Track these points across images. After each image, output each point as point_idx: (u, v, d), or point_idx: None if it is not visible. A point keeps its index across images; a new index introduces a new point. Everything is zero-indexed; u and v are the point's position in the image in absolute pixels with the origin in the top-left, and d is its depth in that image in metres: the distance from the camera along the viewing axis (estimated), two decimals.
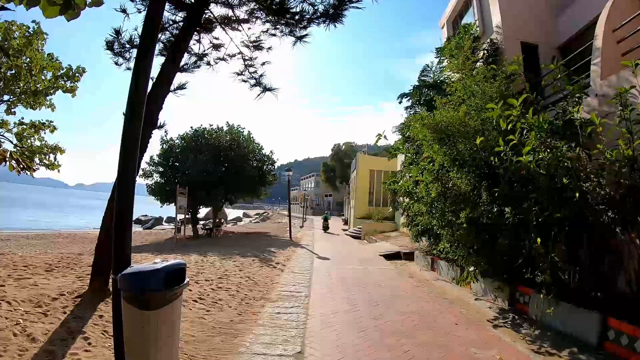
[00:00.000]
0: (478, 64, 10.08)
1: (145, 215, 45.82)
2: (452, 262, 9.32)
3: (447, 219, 7.23)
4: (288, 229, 20.87)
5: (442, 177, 7.30)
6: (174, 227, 26.02)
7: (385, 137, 8.16)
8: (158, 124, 5.98)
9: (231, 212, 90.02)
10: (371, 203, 29.83)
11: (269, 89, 8.42)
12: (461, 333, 5.26)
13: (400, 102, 13.68)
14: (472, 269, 7.06)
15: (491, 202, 6.43)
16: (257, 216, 66.75)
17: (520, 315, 6.22)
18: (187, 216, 21.18)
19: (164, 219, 48.09)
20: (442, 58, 12.58)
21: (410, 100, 13.15)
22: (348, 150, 68.16)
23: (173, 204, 22.65)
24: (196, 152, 21.66)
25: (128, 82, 3.30)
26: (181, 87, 7.26)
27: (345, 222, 36.93)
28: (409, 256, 13.13)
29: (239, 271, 8.94)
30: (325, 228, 27.33)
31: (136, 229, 36.39)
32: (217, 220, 27.95)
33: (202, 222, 32.96)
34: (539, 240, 5.24)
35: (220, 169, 22.09)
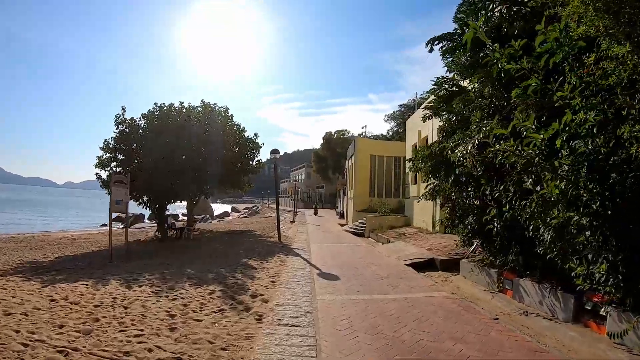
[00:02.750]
0: None
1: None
2: (553, 286, 5.42)
3: None
4: (277, 227, 16.63)
5: None
6: (156, 225, 21.75)
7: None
8: None
9: (219, 207, 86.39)
10: (372, 193, 25.86)
11: None
12: None
13: (430, 50, 9.51)
14: None
15: None
16: (247, 210, 62.75)
17: None
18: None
19: (147, 216, 43.36)
20: None
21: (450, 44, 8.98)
22: (340, 138, 64.02)
23: (135, 199, 18.48)
24: (159, 133, 17.38)
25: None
26: None
27: (341, 216, 32.98)
28: (448, 265, 9.17)
29: (170, 332, 4.46)
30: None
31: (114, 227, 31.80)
32: (191, 217, 23.81)
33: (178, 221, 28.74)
34: None
35: (191, 154, 17.86)
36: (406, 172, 19.55)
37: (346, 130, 65.15)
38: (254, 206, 70.17)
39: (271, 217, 36.58)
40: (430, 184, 8.72)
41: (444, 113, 8.41)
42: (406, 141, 21.71)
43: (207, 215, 49.86)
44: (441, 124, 9.19)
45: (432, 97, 9.33)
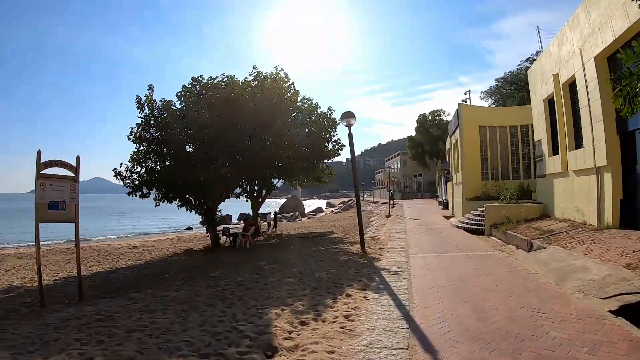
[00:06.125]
0: None
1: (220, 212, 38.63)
2: None
3: None
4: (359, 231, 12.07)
5: None
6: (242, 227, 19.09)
7: None
8: None
9: (314, 203, 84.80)
10: (485, 176, 19.93)
11: None
12: None
13: None
14: None
15: None
16: (342, 205, 58.83)
17: None
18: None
19: (237, 216, 42.42)
20: None
21: None
22: (436, 120, 56.92)
23: (179, 203, 15.75)
24: (198, 112, 14.41)
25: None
26: None
27: (445, 206, 27.44)
28: None
29: None
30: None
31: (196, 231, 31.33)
32: (256, 218, 20.80)
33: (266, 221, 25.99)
34: None
35: (243, 136, 14.56)
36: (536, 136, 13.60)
37: (441, 110, 57.67)
38: (349, 200, 66.55)
39: (365, 210, 32.71)
40: None
41: None
42: (532, 100, 15.58)
43: (297, 213, 47.92)
44: None
45: None
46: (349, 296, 5.87)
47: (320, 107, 18.26)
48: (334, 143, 18.53)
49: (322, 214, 50.86)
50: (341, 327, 4.49)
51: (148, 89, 15.01)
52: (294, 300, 5.81)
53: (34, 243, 7.14)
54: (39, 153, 7.03)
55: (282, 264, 9.44)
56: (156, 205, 15.54)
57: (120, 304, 6.48)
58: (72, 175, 7.70)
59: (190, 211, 16.15)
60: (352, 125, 10.66)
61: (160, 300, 6.43)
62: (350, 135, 10.81)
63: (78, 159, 7.87)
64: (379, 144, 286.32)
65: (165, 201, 15.36)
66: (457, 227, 15.72)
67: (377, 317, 4.76)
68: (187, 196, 15.46)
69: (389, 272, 7.55)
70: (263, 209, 26.28)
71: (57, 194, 7.35)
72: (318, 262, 9.31)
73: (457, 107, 21.10)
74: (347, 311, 5.10)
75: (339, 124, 17.73)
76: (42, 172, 7.10)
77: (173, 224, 39.91)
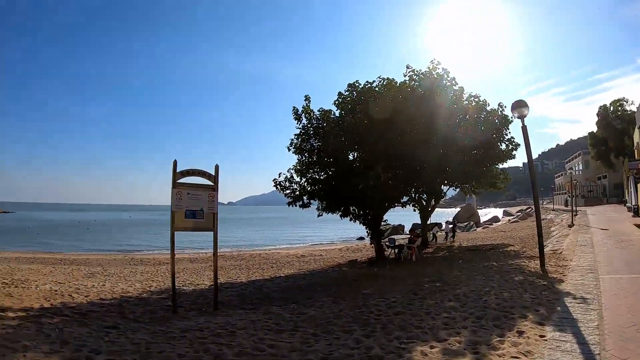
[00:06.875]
0: None
1: (388, 224, 36.74)
2: None
3: None
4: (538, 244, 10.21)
5: None
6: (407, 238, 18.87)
7: None
8: None
9: (489, 212, 79.18)
10: None
11: None
12: None
13: None
14: None
15: None
16: (519, 213, 54.05)
17: None
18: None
19: (409, 227, 40.12)
20: None
21: None
22: (619, 111, 46.64)
23: (340, 213, 15.91)
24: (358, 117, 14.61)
25: None
26: None
27: (636, 213, 23.44)
28: None
29: None
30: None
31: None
32: (425, 228, 19.97)
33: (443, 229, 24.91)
34: None
35: (404, 141, 14.03)
36: None
37: (623, 99, 46.96)
38: (527, 208, 60.50)
39: (544, 219, 28.95)
40: None
41: None
42: None
43: (472, 223, 45.29)
44: None
45: None
46: (520, 333, 4.73)
47: (489, 105, 16.76)
48: (507, 142, 16.76)
49: (498, 223, 47.69)
50: None
51: (305, 100, 15.43)
52: (450, 333, 4.90)
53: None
54: (175, 162, 7.26)
55: (445, 283, 8.62)
56: (319, 216, 16.07)
57: (253, 318, 6.40)
58: (211, 184, 7.73)
59: (354, 221, 16.19)
60: (525, 116, 9.23)
61: (296, 319, 6.23)
62: (524, 129, 9.38)
63: (217, 168, 7.83)
64: (557, 144, 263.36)
65: (329, 211, 15.72)
66: None
67: None
68: (349, 206, 15.52)
69: (574, 298, 6.17)
70: (433, 219, 25.51)
71: (195, 203, 7.40)
72: (487, 282, 8.20)
73: None
74: (515, 358, 4.05)
75: (511, 121, 16.04)
76: (178, 180, 7.29)
77: (346, 234, 41.35)
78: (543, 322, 5.10)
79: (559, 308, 5.71)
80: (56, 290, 9.28)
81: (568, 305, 5.83)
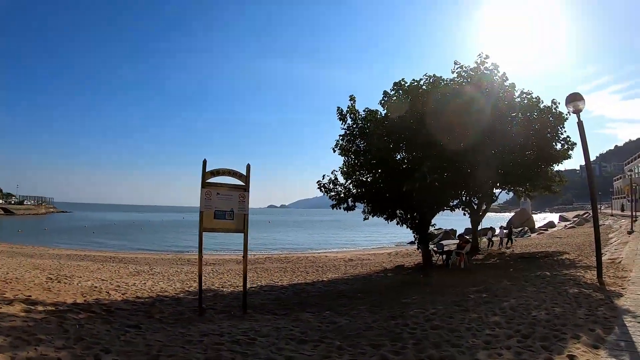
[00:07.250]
0: None
1: (439, 228, 36.47)
2: None
3: None
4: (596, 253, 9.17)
5: None
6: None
7: None
8: None
9: (545, 217, 75.66)
10: None
11: None
12: None
13: None
14: None
15: None
16: (576, 219, 51.69)
17: None
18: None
19: (461, 231, 38.66)
20: None
21: None
22: None
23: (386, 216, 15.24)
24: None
25: None
26: None
27: None
28: None
29: None
30: None
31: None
32: (475, 234, 18.92)
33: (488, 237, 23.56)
34: None
35: (453, 140, 13.41)
36: None
37: None
38: (584, 213, 57.83)
39: (602, 225, 26.62)
40: None
41: None
42: None
43: (526, 228, 43.01)
44: None
45: None
46: (571, 358, 4.04)
47: (542, 102, 15.64)
48: (562, 142, 15.67)
49: (554, 229, 45.45)
50: None
51: (349, 99, 15.06)
52: (490, 354, 4.24)
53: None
54: (204, 162, 7.05)
55: (492, 294, 7.91)
56: (365, 219, 15.80)
57: (280, 325, 6.03)
58: (242, 184, 7.44)
59: (401, 225, 15.76)
60: (580, 110, 8.48)
61: (325, 328, 5.79)
62: (580, 124, 8.59)
63: (248, 167, 7.50)
64: (615, 145, 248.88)
65: (374, 215, 15.34)
66: None
67: None
68: (395, 209, 15.10)
69: (634, 317, 5.39)
70: (485, 224, 24.29)
71: (225, 203, 7.15)
72: (538, 295, 7.37)
73: None
74: None
75: (566, 118, 15.02)
76: (208, 180, 7.09)
77: (398, 238, 40.50)
78: (598, 345, 4.41)
79: (616, 329, 4.95)
80: (96, 287, 9.54)
81: (627, 324, 5.07)
